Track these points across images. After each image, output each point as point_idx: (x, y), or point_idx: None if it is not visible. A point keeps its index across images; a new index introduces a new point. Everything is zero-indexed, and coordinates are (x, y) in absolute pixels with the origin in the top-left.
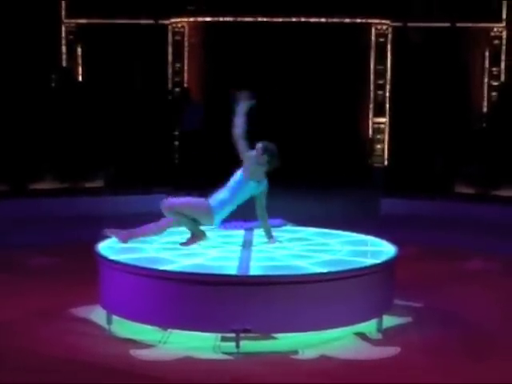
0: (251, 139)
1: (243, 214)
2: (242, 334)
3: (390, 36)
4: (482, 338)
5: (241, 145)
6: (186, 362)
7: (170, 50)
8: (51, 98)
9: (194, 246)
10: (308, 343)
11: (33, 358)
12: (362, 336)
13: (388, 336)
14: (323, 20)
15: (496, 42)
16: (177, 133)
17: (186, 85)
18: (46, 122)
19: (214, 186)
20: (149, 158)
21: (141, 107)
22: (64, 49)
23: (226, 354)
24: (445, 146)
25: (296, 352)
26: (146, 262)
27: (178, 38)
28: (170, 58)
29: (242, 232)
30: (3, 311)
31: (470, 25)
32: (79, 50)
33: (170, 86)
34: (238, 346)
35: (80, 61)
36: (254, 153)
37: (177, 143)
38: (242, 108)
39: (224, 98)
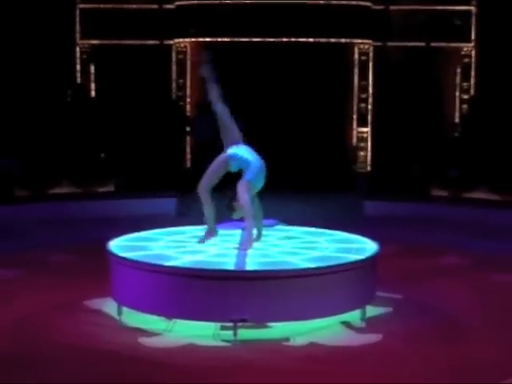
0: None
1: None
2: (240, 324)
3: (371, 54)
4: (456, 326)
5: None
6: (189, 348)
7: (173, 67)
8: (67, 111)
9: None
10: (298, 331)
11: (51, 347)
12: (347, 325)
13: (371, 324)
14: (311, 40)
15: (466, 60)
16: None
17: (188, 99)
18: (62, 133)
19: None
20: (156, 165)
21: (148, 119)
22: (78, 67)
23: (224, 341)
24: (422, 153)
25: (287, 339)
26: (153, 258)
27: (181, 56)
28: (173, 74)
29: (239, 231)
30: (27, 304)
31: (443, 44)
32: (92, 68)
33: (174, 99)
34: (235, 334)
35: (93, 78)
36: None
37: (188, 151)
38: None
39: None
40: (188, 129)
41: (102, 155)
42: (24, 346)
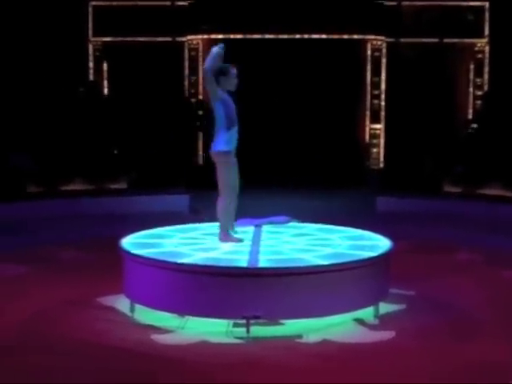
0: (260, 144)
1: (252, 212)
2: (252, 320)
3: (384, 50)
4: (469, 323)
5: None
6: (202, 345)
7: (186, 64)
8: (80, 109)
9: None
10: (311, 328)
11: (65, 343)
12: (360, 322)
13: (384, 322)
14: (324, 36)
15: (479, 55)
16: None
17: (200, 96)
18: (75, 130)
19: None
20: (168, 161)
21: (160, 116)
22: (91, 64)
23: (237, 338)
24: (434, 149)
25: (301, 336)
26: (166, 255)
27: (193, 53)
28: (186, 71)
29: (251, 228)
30: (37, 300)
31: (456, 40)
32: (105, 65)
33: (186, 96)
34: (248, 331)
35: (106, 75)
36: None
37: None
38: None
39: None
40: (198, 123)
41: (115, 152)
42: (36, 342)
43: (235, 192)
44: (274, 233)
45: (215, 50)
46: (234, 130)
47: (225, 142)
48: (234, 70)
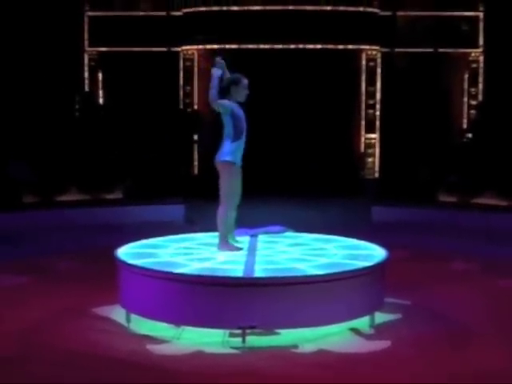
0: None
1: (248, 222)
2: (248, 330)
3: (379, 60)
4: (465, 332)
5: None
6: (198, 355)
7: (181, 74)
8: (75, 118)
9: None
10: (307, 338)
11: (59, 353)
12: (356, 331)
13: (379, 331)
14: (319, 46)
15: (474, 65)
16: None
17: (195, 107)
18: (70, 140)
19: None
20: (163, 172)
21: (155, 126)
22: (86, 74)
23: (233, 348)
24: (429, 159)
25: (296, 346)
26: (162, 265)
27: (188, 63)
28: (181, 81)
29: (247, 238)
30: (34, 310)
31: (450, 50)
32: (100, 75)
33: (181, 106)
34: (244, 341)
35: (101, 85)
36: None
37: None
38: (216, 72)
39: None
40: (196, 137)
41: (112, 156)
42: (32, 352)
43: (236, 202)
44: (269, 242)
45: (215, 73)
46: (241, 141)
47: (230, 152)
48: (245, 81)
